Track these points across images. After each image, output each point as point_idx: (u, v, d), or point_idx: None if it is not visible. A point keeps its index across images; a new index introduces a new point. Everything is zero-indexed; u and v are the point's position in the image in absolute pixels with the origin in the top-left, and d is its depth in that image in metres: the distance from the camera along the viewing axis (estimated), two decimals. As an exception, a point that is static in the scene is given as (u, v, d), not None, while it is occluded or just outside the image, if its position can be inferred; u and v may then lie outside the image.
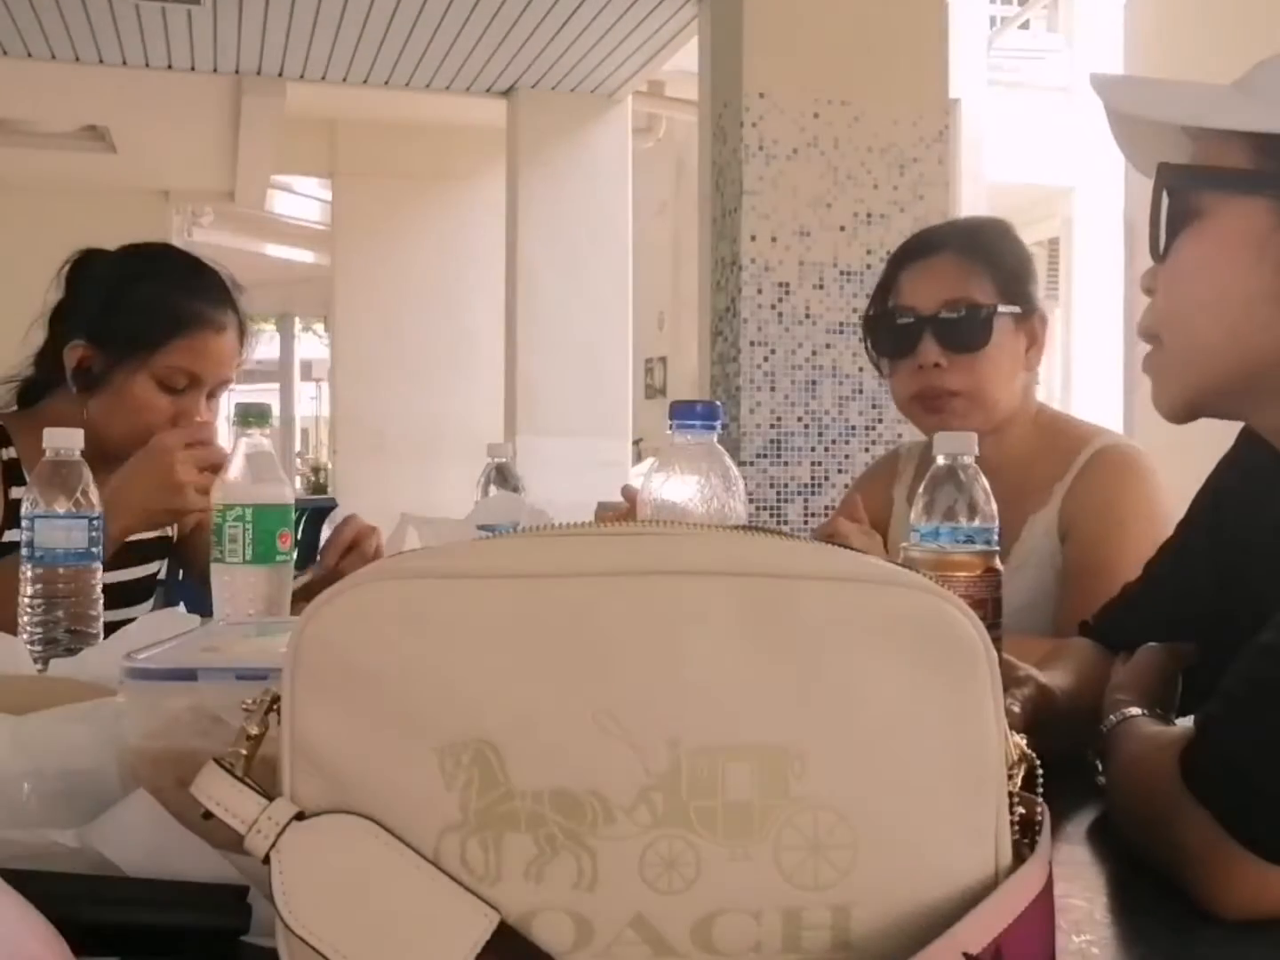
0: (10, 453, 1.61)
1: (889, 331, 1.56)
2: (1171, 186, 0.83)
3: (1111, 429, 1.59)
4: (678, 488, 1.11)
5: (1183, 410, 0.86)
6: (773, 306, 3.61)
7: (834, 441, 3.65)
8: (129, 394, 1.59)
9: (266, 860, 0.49)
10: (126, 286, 1.62)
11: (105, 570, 1.50)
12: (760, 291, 3.60)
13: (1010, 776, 0.51)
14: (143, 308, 1.60)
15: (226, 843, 0.56)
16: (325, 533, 1.71)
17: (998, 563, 0.99)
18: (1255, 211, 0.79)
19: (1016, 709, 0.90)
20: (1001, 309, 1.51)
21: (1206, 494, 1.04)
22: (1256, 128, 0.78)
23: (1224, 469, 1.03)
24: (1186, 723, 0.83)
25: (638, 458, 6.30)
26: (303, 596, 1.34)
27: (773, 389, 3.61)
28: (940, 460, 1.01)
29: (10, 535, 1.54)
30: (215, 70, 5.53)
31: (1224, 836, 0.64)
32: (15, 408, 1.70)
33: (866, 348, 1.62)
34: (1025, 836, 0.52)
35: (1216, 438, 0.99)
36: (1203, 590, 0.99)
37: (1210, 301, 0.82)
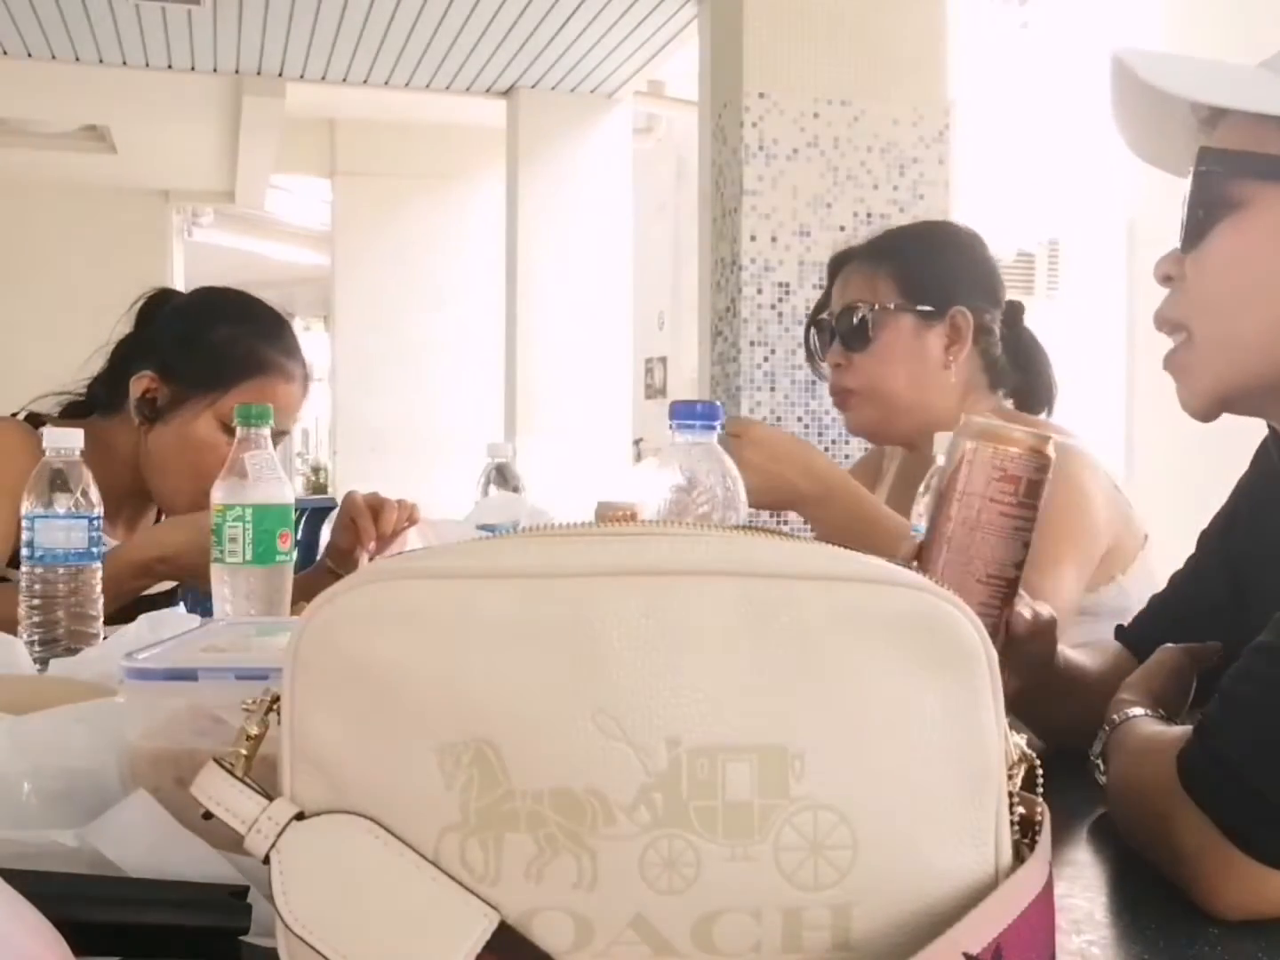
0: None
1: (817, 337, 1.69)
2: (1212, 172, 0.80)
3: (1054, 424, 1.60)
4: (678, 488, 1.11)
5: (1214, 405, 0.84)
6: (773, 306, 3.61)
7: (834, 441, 3.65)
8: (191, 430, 1.63)
9: (266, 860, 0.49)
10: (205, 325, 1.66)
11: None
12: (760, 291, 3.60)
13: (1010, 776, 0.51)
14: (219, 348, 1.64)
15: (226, 843, 0.56)
16: (325, 533, 1.72)
17: (1050, 449, 0.95)
18: None
19: (1027, 614, 0.89)
20: (900, 308, 1.57)
21: (1228, 504, 1.03)
22: None
23: (1245, 479, 1.02)
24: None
25: (638, 458, 6.30)
26: (303, 595, 1.35)
27: (773, 389, 3.61)
28: (940, 460, 1.01)
29: None
30: (215, 70, 5.53)
31: (1220, 838, 0.64)
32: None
33: (809, 355, 1.74)
34: (1025, 836, 0.52)
35: (1215, 439, 0.99)
36: (1216, 597, 0.99)
37: (1252, 293, 0.80)
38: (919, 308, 1.58)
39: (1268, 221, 0.78)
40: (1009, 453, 0.85)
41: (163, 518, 1.78)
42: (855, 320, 1.59)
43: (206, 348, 1.64)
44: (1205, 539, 1.05)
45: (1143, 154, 0.87)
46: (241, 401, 1.60)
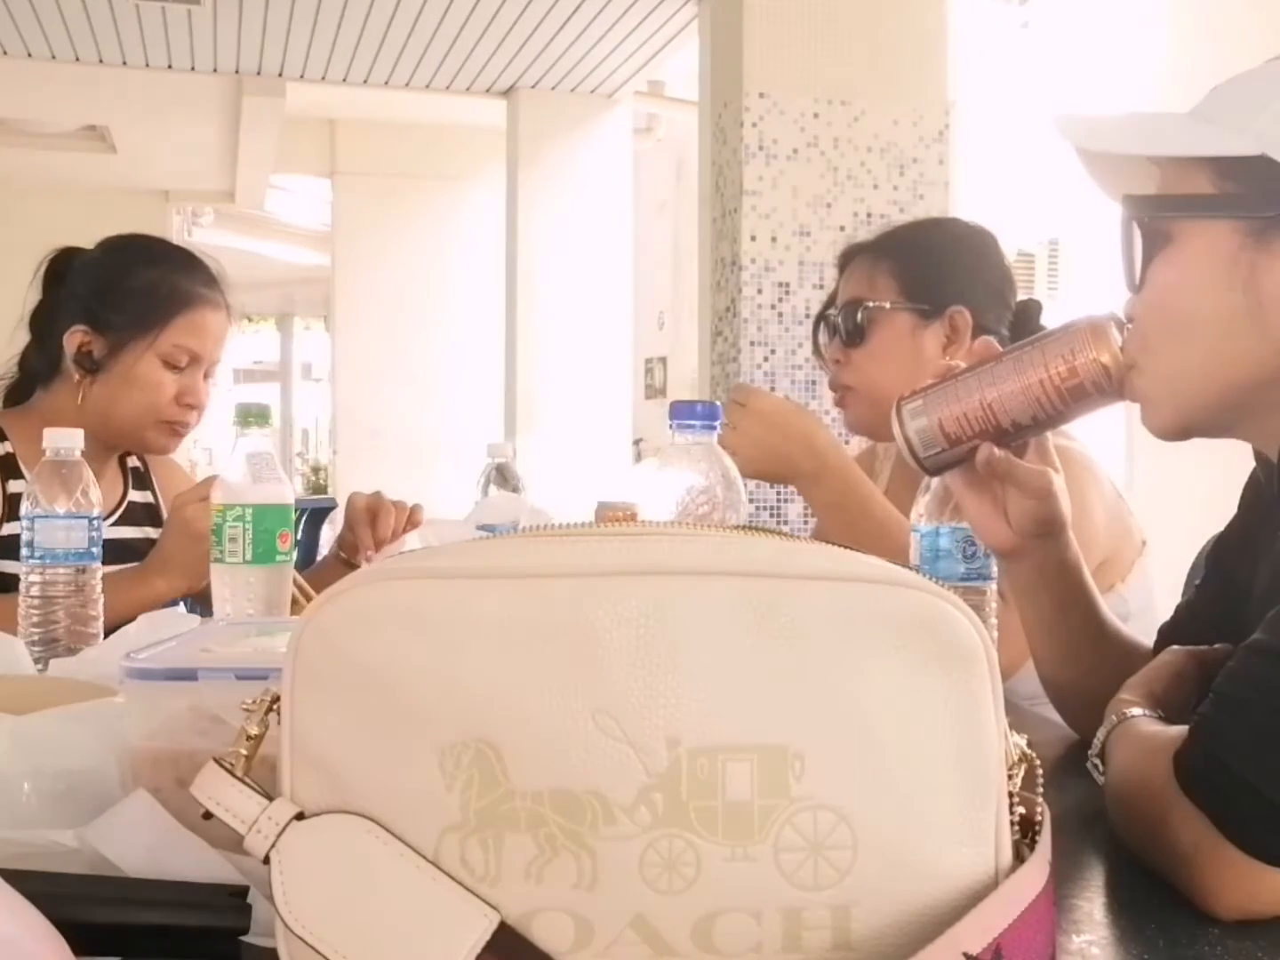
0: (6, 448, 1.65)
1: (825, 332, 1.69)
2: (1138, 216, 0.85)
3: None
4: (678, 488, 1.11)
5: (1177, 432, 0.88)
6: (773, 306, 3.61)
7: (834, 440, 3.65)
8: (135, 374, 1.65)
9: (266, 860, 0.49)
10: (124, 272, 1.69)
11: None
12: (760, 291, 3.60)
13: (1010, 776, 0.51)
14: (145, 290, 1.67)
15: (226, 843, 0.56)
16: (325, 533, 1.72)
17: (1116, 379, 0.98)
18: (1220, 233, 0.81)
19: (997, 452, 0.94)
20: (896, 305, 1.57)
21: (1226, 530, 1.05)
22: (1214, 152, 0.81)
23: (1237, 517, 1.03)
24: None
25: (638, 458, 6.30)
26: (319, 589, 1.35)
27: (773, 389, 3.61)
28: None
29: (10, 528, 1.57)
30: (215, 70, 5.52)
31: (1217, 836, 0.64)
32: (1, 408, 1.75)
33: (815, 351, 1.73)
34: (1025, 836, 0.52)
35: (1216, 442, 0.99)
36: (1210, 606, 1.00)
37: (1185, 324, 0.84)
38: (915, 305, 1.57)
39: (1189, 254, 0.83)
40: (1090, 356, 0.90)
41: (126, 462, 1.80)
42: (853, 316, 1.59)
43: (132, 293, 1.66)
44: (1210, 561, 1.06)
45: (1118, 200, 0.90)
46: (177, 337, 1.65)
